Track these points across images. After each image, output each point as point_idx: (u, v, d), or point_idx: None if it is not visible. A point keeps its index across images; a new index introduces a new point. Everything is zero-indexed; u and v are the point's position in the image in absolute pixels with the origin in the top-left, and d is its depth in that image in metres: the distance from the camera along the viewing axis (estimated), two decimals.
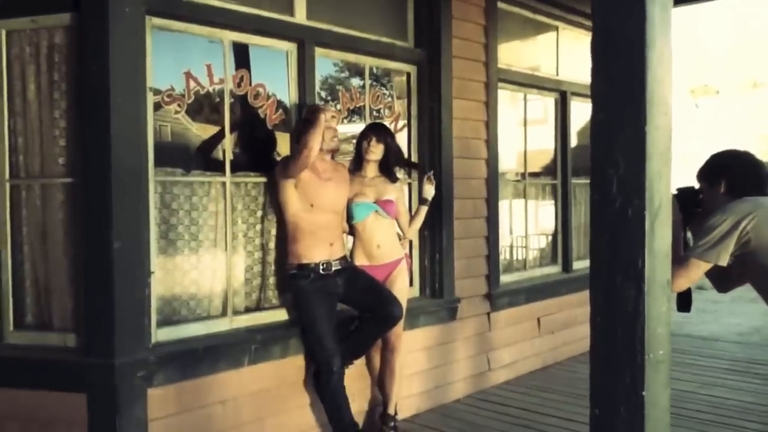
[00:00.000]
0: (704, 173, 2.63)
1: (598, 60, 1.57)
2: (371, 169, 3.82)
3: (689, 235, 2.62)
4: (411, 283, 4.19)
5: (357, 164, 3.85)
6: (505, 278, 5.13)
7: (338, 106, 4.05)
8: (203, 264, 3.44)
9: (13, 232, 3.15)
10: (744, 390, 4.71)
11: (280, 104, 3.73)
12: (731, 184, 2.52)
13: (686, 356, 5.58)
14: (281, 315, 3.67)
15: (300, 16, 3.76)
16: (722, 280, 2.65)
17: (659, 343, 1.43)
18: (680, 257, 2.37)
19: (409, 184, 4.44)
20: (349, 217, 3.74)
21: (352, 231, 3.80)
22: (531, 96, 5.57)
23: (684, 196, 2.59)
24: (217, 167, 3.53)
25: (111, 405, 2.87)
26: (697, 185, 2.67)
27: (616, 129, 1.48)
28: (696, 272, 2.38)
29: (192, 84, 3.34)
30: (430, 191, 3.99)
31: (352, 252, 3.81)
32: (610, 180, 1.47)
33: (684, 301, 2.60)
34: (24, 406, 2.99)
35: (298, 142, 3.38)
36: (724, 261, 2.35)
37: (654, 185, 1.44)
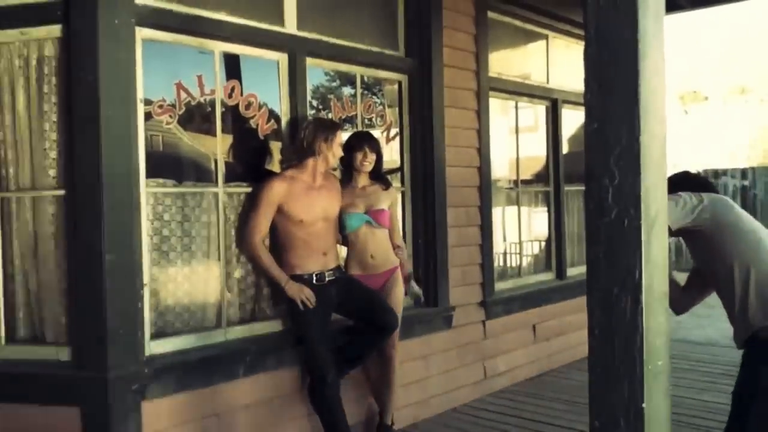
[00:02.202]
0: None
1: (592, 70, 1.57)
2: (362, 179, 3.80)
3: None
4: (406, 293, 4.17)
5: (347, 174, 3.83)
6: (499, 286, 5.13)
7: (330, 116, 4.05)
8: (197, 275, 3.42)
9: (4, 245, 3.12)
10: None
11: (271, 114, 3.72)
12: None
13: (682, 361, 5.58)
14: (276, 326, 3.65)
15: (290, 26, 3.76)
16: (685, 296, 2.95)
17: (658, 354, 1.42)
18: None
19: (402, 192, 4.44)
20: (341, 228, 3.72)
21: (345, 241, 3.79)
22: (522, 104, 5.59)
23: None
24: (210, 178, 3.52)
25: (104, 419, 2.85)
26: None
27: (610, 139, 1.48)
28: None
29: (183, 95, 3.33)
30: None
31: (346, 262, 3.79)
32: (606, 190, 1.46)
33: None
34: (16, 421, 2.95)
35: (303, 148, 3.45)
36: (675, 224, 2.61)
37: (650, 195, 1.44)
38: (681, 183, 2.88)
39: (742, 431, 2.57)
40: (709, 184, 2.94)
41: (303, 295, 3.38)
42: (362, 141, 3.76)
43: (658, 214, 1.44)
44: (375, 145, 3.78)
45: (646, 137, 1.45)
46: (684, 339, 6.69)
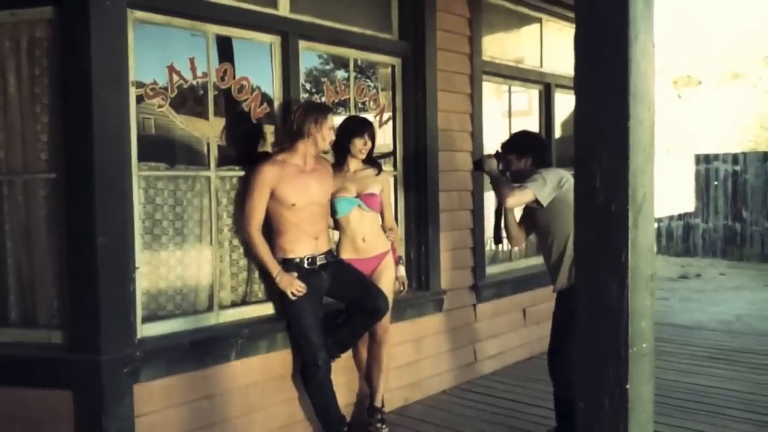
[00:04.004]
0: (515, 147, 3.66)
1: (582, 54, 1.57)
2: (354, 163, 3.80)
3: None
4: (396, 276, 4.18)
5: (339, 158, 3.82)
6: (490, 270, 5.16)
7: (323, 99, 4.04)
8: (189, 259, 3.42)
9: None
10: (728, 378, 4.77)
11: (264, 97, 3.71)
12: (536, 158, 3.61)
13: (670, 345, 5.63)
14: (267, 309, 3.66)
15: (283, 8, 3.74)
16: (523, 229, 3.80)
17: (642, 337, 1.44)
18: (519, 186, 3.40)
19: (395, 177, 4.44)
20: (333, 212, 3.73)
21: (336, 225, 3.80)
22: (515, 88, 5.58)
23: (498, 158, 3.61)
24: (202, 161, 3.51)
25: (97, 401, 2.86)
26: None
27: (599, 124, 1.48)
28: (527, 198, 3.38)
29: (175, 77, 3.32)
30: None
31: (338, 246, 3.80)
32: (594, 175, 1.47)
33: (497, 237, 3.86)
34: (9, 404, 2.97)
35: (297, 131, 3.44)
36: (545, 201, 3.36)
37: (637, 180, 1.45)
38: (532, 148, 3.64)
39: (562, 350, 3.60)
40: (550, 156, 3.82)
41: (293, 288, 3.40)
42: (363, 128, 3.75)
43: (645, 199, 1.46)
44: (372, 132, 3.79)
45: (635, 122, 1.46)
46: (672, 323, 6.74)
